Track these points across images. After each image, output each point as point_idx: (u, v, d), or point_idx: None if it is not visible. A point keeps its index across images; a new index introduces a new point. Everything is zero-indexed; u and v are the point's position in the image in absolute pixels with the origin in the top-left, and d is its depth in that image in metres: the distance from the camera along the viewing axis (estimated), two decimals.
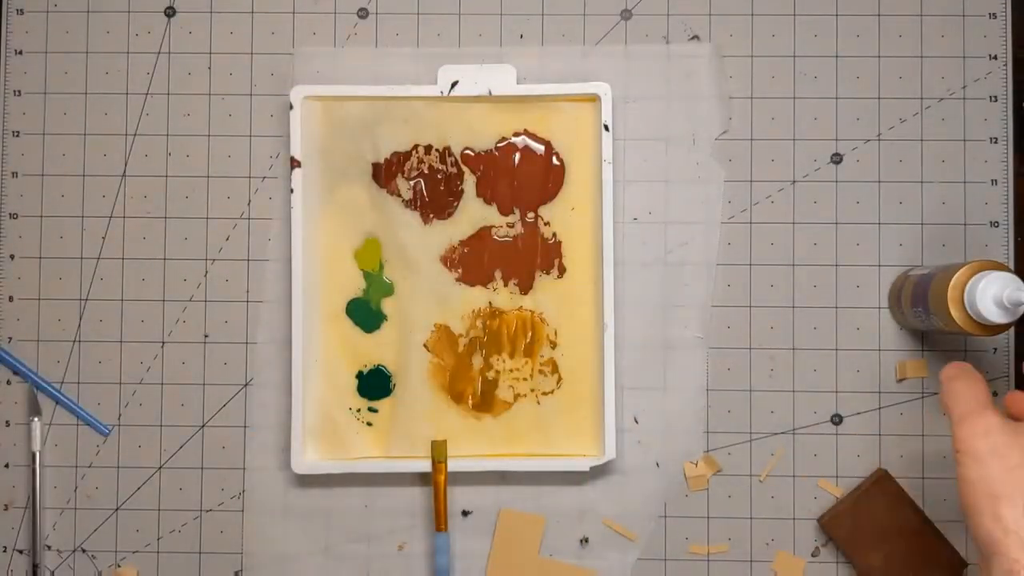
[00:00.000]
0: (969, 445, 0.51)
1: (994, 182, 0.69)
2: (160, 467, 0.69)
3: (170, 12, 0.71)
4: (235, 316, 0.69)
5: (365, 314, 0.69)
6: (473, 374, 0.69)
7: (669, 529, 0.69)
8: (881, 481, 0.67)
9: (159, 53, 0.70)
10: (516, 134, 0.69)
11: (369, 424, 0.69)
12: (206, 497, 0.69)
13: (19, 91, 0.70)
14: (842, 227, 0.69)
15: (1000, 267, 0.58)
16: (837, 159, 0.70)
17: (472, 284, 0.69)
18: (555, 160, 0.69)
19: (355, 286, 0.69)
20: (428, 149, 0.69)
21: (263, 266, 0.70)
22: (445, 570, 0.67)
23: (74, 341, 0.70)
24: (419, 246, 0.69)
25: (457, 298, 0.69)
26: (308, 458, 0.67)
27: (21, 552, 0.69)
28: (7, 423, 0.69)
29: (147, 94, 0.70)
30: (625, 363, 0.68)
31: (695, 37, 0.70)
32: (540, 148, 0.69)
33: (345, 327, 0.69)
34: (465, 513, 0.69)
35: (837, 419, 0.69)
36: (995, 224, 0.69)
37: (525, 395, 0.68)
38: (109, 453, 0.69)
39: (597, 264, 0.68)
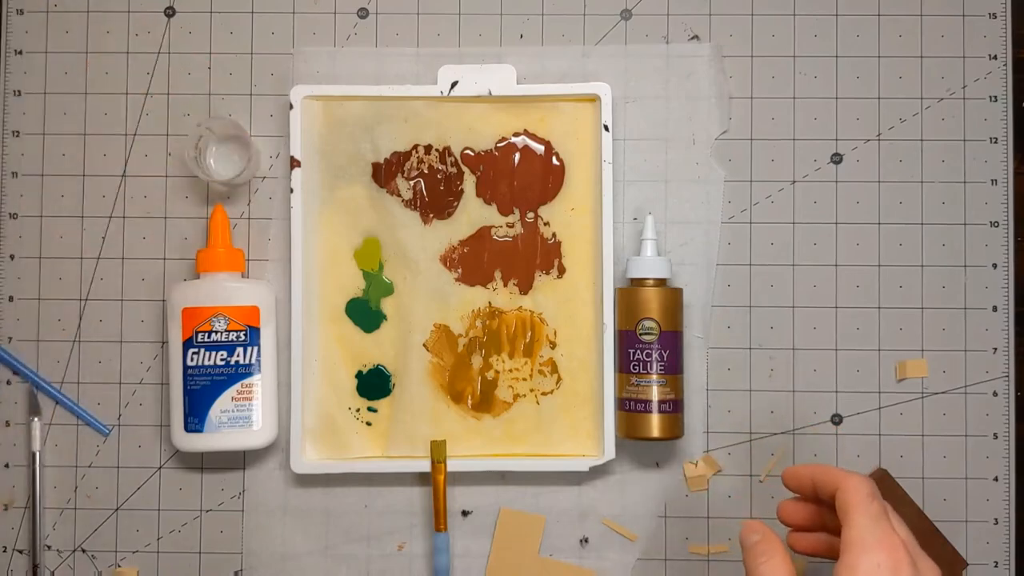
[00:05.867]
0: None
1: (994, 182, 0.69)
2: (160, 467, 0.69)
3: (170, 12, 0.71)
4: None
5: (365, 314, 0.69)
6: (472, 374, 0.68)
7: (669, 529, 0.68)
8: (881, 481, 0.67)
9: (159, 53, 0.70)
10: (516, 134, 0.69)
11: (369, 424, 0.69)
12: (206, 497, 0.69)
13: (19, 91, 0.70)
14: (842, 227, 0.69)
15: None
16: (837, 159, 0.70)
17: (472, 284, 0.69)
18: (555, 160, 0.69)
19: (355, 286, 0.69)
20: (428, 149, 0.69)
21: (263, 266, 0.70)
22: (445, 570, 0.67)
23: (74, 341, 0.70)
24: (419, 246, 0.69)
25: (457, 298, 0.69)
26: (308, 458, 0.67)
27: (21, 552, 0.69)
28: (7, 423, 0.69)
29: (147, 94, 0.70)
30: None
31: (695, 37, 0.70)
32: (540, 148, 0.69)
33: (345, 327, 0.69)
34: (465, 513, 0.69)
35: (837, 419, 0.69)
36: (995, 224, 0.69)
37: (524, 395, 0.68)
38: (109, 453, 0.69)
39: (597, 264, 0.67)
